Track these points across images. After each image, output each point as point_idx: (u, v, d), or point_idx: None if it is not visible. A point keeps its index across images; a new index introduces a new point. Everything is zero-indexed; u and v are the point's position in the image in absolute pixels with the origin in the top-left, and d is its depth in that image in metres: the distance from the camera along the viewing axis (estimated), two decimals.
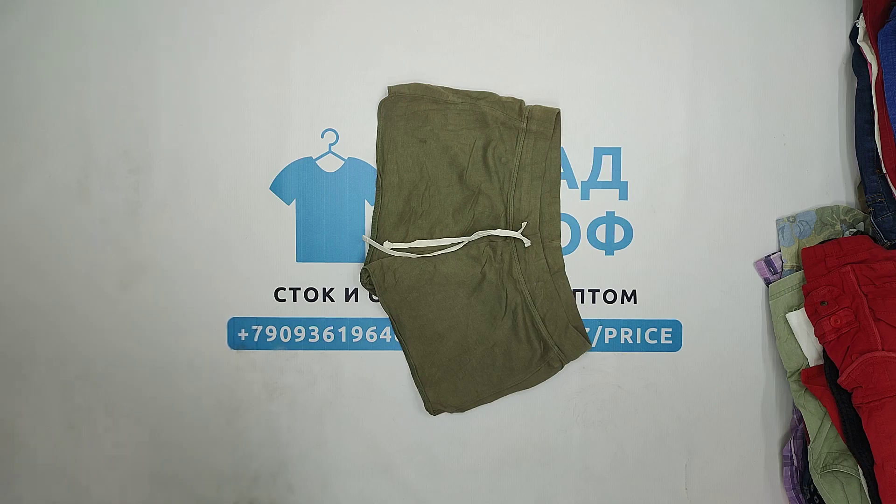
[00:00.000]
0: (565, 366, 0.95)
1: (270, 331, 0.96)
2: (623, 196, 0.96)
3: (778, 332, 0.93)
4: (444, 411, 0.95)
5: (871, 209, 0.92)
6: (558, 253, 0.94)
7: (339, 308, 0.96)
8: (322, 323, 0.96)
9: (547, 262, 0.93)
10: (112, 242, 0.95)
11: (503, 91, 0.93)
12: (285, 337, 0.96)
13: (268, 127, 0.94)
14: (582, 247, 0.95)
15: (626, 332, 0.97)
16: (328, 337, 0.96)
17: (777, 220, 0.96)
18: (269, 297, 0.95)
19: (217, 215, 0.95)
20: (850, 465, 0.87)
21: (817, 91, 0.95)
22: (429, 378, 0.94)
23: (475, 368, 0.94)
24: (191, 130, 0.94)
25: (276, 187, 0.94)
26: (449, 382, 0.94)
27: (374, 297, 0.95)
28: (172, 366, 0.95)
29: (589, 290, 0.96)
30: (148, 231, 0.95)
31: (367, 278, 0.93)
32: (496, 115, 0.90)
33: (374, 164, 0.94)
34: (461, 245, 0.92)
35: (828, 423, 0.89)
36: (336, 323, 0.96)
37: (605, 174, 0.96)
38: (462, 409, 0.95)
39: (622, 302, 0.96)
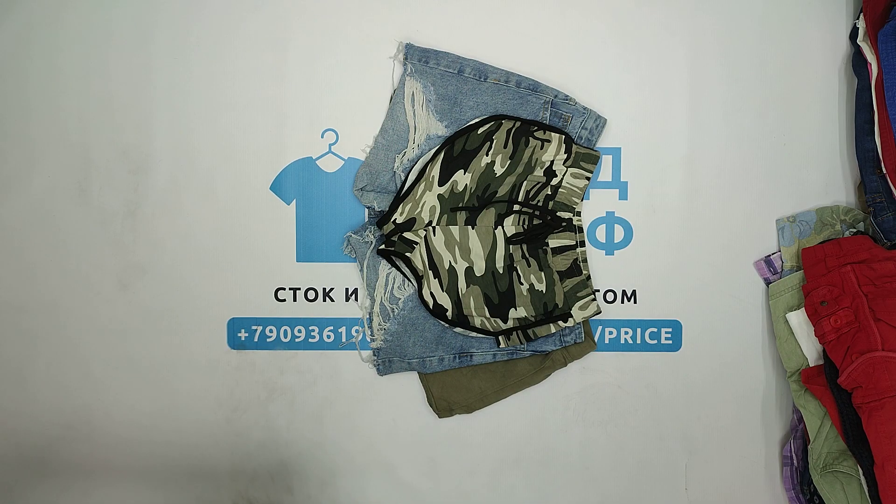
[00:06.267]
0: (567, 364, 0.95)
1: (270, 331, 0.96)
2: (623, 196, 0.96)
3: (778, 332, 0.93)
4: (452, 412, 0.95)
5: (871, 209, 0.92)
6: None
7: (339, 308, 0.96)
8: (322, 323, 0.96)
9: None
10: (111, 243, 0.94)
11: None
12: (285, 337, 0.96)
13: (268, 127, 0.94)
14: None
15: (626, 332, 0.97)
16: (328, 337, 0.96)
17: (777, 220, 0.96)
18: (269, 297, 0.95)
19: (217, 215, 0.94)
20: (850, 465, 0.87)
21: (817, 91, 0.95)
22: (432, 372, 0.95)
23: (479, 364, 0.94)
24: (190, 130, 0.94)
25: (276, 187, 0.94)
26: (453, 377, 0.94)
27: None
28: (172, 366, 0.95)
29: None
30: (147, 231, 0.94)
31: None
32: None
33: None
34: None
35: (828, 423, 0.89)
36: (336, 323, 0.96)
37: (605, 174, 0.95)
38: (469, 409, 0.95)
39: (622, 302, 0.96)
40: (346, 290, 0.96)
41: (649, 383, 0.97)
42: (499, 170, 0.91)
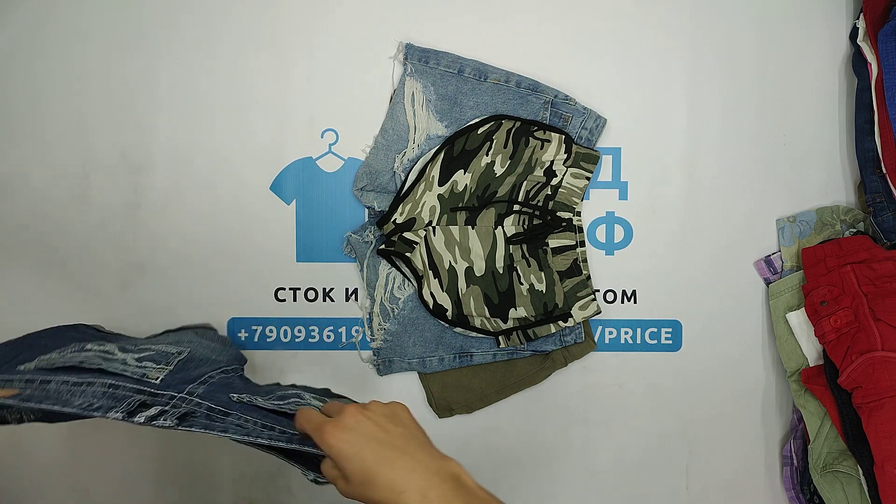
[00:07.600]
0: (568, 364, 0.95)
1: (270, 331, 0.96)
2: (623, 196, 0.96)
3: (778, 332, 0.93)
4: (452, 413, 0.95)
5: (871, 209, 0.92)
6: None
7: (339, 308, 0.96)
8: (322, 323, 0.96)
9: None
10: (112, 243, 0.94)
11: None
12: (285, 337, 0.96)
13: (268, 127, 0.94)
14: None
15: (627, 332, 0.97)
16: (328, 337, 0.96)
17: (777, 220, 0.96)
18: (269, 297, 0.95)
19: (217, 215, 0.94)
20: (850, 465, 0.87)
21: (817, 91, 0.95)
22: (433, 372, 0.94)
23: (479, 364, 0.94)
24: (191, 130, 0.94)
25: (276, 187, 0.94)
26: (453, 377, 0.94)
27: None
28: None
29: None
30: (147, 231, 0.94)
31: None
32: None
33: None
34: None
35: (828, 423, 0.89)
36: (336, 323, 0.96)
37: (605, 174, 0.96)
38: (470, 409, 0.95)
39: (622, 302, 0.96)
40: (346, 290, 0.96)
41: (649, 383, 0.97)
42: (499, 170, 0.91)
